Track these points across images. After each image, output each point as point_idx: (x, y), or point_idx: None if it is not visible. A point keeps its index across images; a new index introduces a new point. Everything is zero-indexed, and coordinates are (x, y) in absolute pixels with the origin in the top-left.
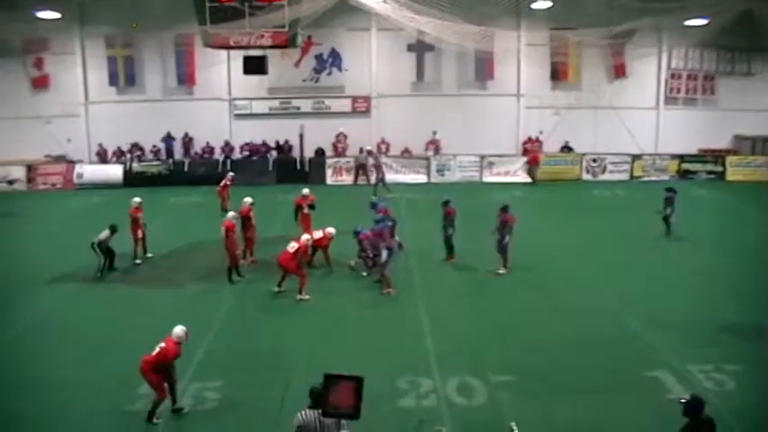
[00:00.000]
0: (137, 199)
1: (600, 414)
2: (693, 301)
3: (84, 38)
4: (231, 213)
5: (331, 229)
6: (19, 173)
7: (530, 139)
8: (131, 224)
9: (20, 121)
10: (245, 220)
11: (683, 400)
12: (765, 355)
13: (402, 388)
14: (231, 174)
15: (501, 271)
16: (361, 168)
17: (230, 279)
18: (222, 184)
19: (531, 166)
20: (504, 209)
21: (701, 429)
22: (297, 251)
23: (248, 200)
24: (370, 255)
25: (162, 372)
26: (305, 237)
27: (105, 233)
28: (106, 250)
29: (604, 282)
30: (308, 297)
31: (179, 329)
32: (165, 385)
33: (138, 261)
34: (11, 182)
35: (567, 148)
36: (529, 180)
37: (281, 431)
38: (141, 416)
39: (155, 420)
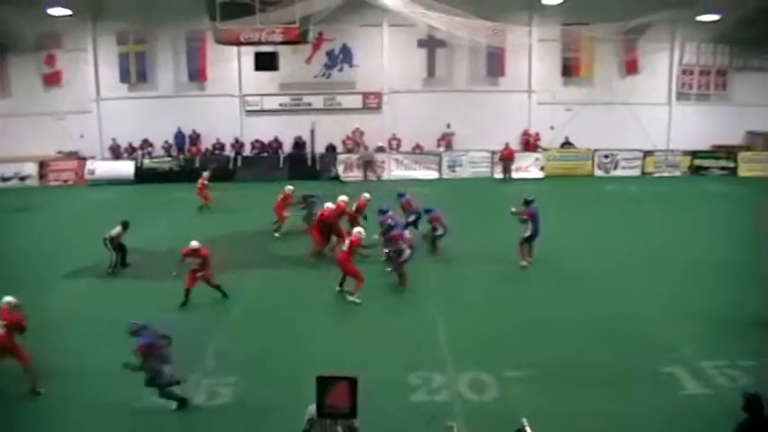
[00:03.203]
0: (290, 187)
1: (613, 409)
2: (709, 296)
3: (96, 34)
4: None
5: (344, 197)
6: (31, 169)
7: (527, 132)
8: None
9: (32, 117)
10: (359, 212)
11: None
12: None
13: (414, 383)
14: (206, 172)
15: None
16: (367, 165)
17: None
18: (200, 184)
19: (506, 161)
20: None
21: (762, 427)
22: (351, 247)
23: (367, 195)
24: (391, 252)
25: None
26: (357, 229)
27: (117, 229)
28: (118, 246)
29: (620, 276)
30: (358, 301)
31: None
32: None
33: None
34: (22, 178)
35: (567, 144)
36: (540, 176)
37: (295, 426)
38: (150, 411)
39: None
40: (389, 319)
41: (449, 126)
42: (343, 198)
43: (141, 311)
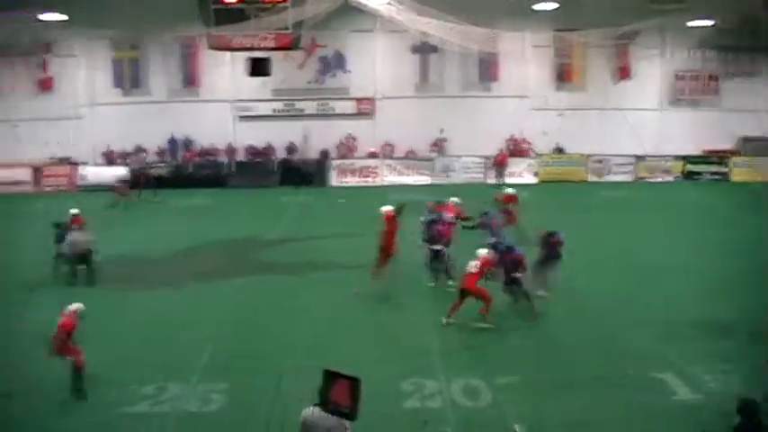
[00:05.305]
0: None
1: (606, 415)
2: (700, 302)
3: (89, 40)
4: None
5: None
6: (25, 174)
7: (513, 138)
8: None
9: (26, 123)
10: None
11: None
12: None
13: (407, 389)
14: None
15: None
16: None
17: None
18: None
19: (499, 167)
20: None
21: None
22: (481, 269)
23: (455, 199)
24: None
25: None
26: (482, 251)
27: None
28: (80, 254)
29: (607, 282)
30: (488, 325)
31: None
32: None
33: None
34: (16, 183)
35: (558, 150)
36: (533, 181)
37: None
38: (143, 417)
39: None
40: (382, 325)
41: (441, 131)
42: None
43: (133, 317)
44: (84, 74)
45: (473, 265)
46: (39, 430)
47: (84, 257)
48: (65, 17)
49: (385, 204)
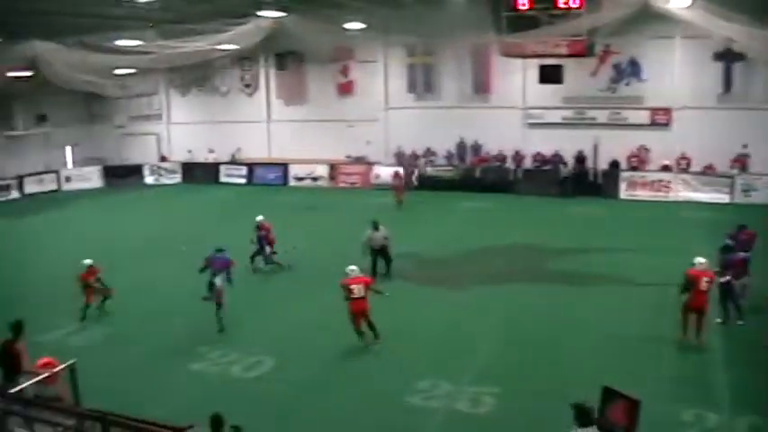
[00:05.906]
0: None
1: None
2: None
3: (386, 46)
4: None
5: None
6: (322, 171)
7: None
8: None
9: (326, 123)
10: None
11: None
12: None
13: (686, 419)
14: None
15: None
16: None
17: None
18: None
19: None
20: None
21: None
22: None
23: None
24: None
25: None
26: None
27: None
28: (377, 249)
29: None
30: None
31: None
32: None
33: None
34: (315, 179)
35: None
36: None
37: None
38: (414, 409)
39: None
40: (660, 347)
41: (745, 146)
42: None
43: (412, 314)
44: (381, 79)
45: None
46: (308, 406)
47: (381, 252)
48: (364, 25)
49: (694, 254)
